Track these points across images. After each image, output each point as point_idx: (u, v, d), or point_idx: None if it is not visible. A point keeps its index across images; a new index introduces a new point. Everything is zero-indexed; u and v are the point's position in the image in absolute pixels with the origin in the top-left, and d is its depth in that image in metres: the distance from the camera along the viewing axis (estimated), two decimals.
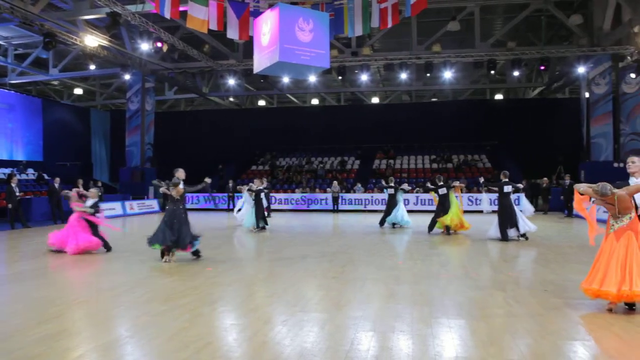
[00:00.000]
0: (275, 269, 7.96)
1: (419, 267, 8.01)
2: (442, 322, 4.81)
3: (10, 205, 14.55)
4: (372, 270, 7.72)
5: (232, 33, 9.82)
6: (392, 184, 14.88)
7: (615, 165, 19.70)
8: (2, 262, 9.20)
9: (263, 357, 3.93)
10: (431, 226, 12.88)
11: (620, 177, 5.53)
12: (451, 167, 25.95)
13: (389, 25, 10.50)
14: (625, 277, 4.90)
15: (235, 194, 22.08)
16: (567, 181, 19.13)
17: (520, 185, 12.21)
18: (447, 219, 12.41)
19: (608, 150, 20.49)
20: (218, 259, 8.87)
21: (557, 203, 20.00)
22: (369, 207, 22.76)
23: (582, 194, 5.40)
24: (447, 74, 21.27)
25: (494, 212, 12.08)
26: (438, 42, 20.12)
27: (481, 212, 18.52)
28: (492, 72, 21.01)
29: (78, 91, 29.79)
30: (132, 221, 18.31)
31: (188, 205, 10.47)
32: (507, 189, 11.27)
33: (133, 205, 21.41)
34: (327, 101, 32.96)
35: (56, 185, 16.59)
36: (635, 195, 5.10)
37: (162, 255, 8.48)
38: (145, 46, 18.49)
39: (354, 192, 23.85)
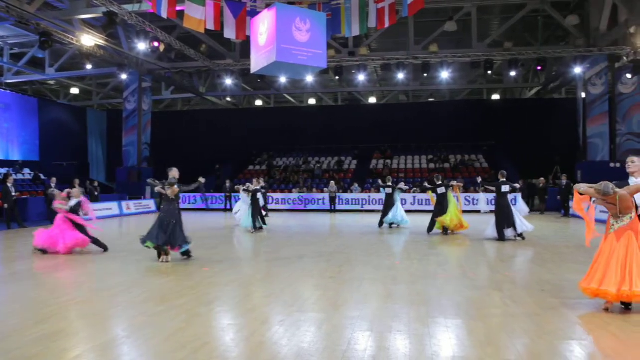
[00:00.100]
0: (273, 269, 7.96)
1: (417, 267, 8.02)
2: (439, 322, 4.82)
3: (6, 205, 14.50)
4: (369, 270, 7.72)
5: (229, 33, 9.80)
6: (390, 184, 14.89)
7: (612, 165, 19.78)
8: None
9: (260, 357, 3.93)
10: (431, 227, 12.85)
11: (617, 177, 5.55)
12: (448, 167, 25.99)
13: (386, 25, 10.49)
14: (625, 277, 4.90)
15: (233, 194, 22.08)
16: (564, 181, 19.20)
17: (518, 185, 12.23)
18: (446, 219, 12.41)
19: (604, 151, 20.57)
20: (215, 259, 8.86)
21: (554, 203, 20.07)
22: (366, 207, 22.77)
23: (582, 194, 5.40)
24: (444, 74, 21.31)
25: (491, 212, 12.10)
26: (435, 42, 20.14)
27: (479, 212, 18.55)
28: (489, 72, 21.07)
29: (74, 91, 29.67)
30: (129, 221, 18.26)
31: (184, 206, 10.45)
32: (505, 188, 11.29)
33: (130, 205, 21.36)
34: (325, 101, 32.96)
35: (52, 185, 16.53)
36: (636, 195, 5.11)
37: (159, 255, 8.48)
38: (142, 46, 18.42)
39: (351, 192, 23.87)
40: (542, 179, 21.32)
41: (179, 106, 34.61)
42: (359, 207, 22.97)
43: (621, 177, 5.46)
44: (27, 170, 23.46)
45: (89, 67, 20.27)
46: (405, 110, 30.00)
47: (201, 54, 21.20)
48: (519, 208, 12.62)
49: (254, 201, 13.81)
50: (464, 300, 5.69)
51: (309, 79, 24.52)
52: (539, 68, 20.85)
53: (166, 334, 4.48)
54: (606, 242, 5.22)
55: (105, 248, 9.76)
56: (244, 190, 14.41)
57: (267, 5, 8.69)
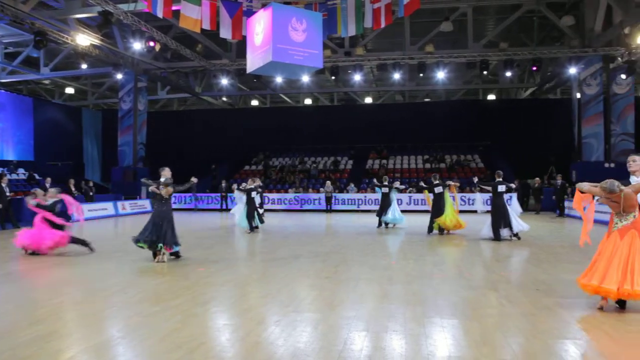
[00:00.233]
0: (269, 269, 7.95)
1: (413, 267, 8.03)
2: (435, 322, 4.83)
3: (0, 206, 14.41)
4: (365, 270, 7.72)
5: (225, 33, 9.78)
6: (386, 183, 14.90)
7: (606, 165, 19.87)
8: None
9: (256, 358, 3.92)
10: (430, 228, 12.83)
11: (611, 177, 5.55)
12: (444, 167, 26.04)
13: (382, 25, 10.51)
14: (627, 275, 4.91)
15: (229, 194, 22.06)
16: (559, 181, 19.28)
17: (513, 185, 12.28)
18: (446, 220, 12.44)
19: (599, 151, 20.66)
20: (211, 259, 8.84)
21: (549, 203, 20.15)
22: (362, 207, 22.79)
23: (583, 192, 5.40)
24: (440, 74, 21.34)
25: (488, 212, 12.13)
26: (431, 43, 20.18)
27: (475, 212, 18.60)
28: (485, 72, 21.11)
29: (69, 90, 29.53)
30: (125, 221, 18.20)
31: (175, 205, 10.42)
32: (501, 188, 11.33)
33: (125, 206, 21.30)
34: (320, 101, 32.95)
35: (47, 185, 16.44)
36: (638, 195, 5.12)
37: (154, 255, 8.47)
38: (137, 45, 18.36)
39: (347, 192, 23.88)
40: (537, 179, 21.42)
41: (174, 106, 34.51)
42: (355, 207, 22.99)
43: (616, 177, 5.47)
44: (21, 170, 23.31)
45: (84, 66, 20.18)
46: (401, 110, 30.05)
47: (197, 53, 21.15)
48: (513, 208, 12.66)
49: (249, 200, 13.77)
50: (460, 300, 5.70)
51: (305, 79, 24.52)
52: (534, 68, 20.95)
53: (162, 335, 4.46)
54: (609, 240, 5.22)
55: (85, 244, 9.60)
56: (238, 189, 14.39)
57: (263, 5, 8.68)
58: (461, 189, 20.66)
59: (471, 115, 28.14)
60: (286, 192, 24.84)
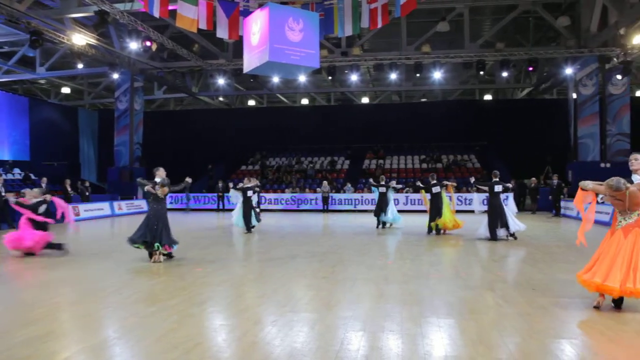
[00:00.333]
0: (265, 269, 7.94)
1: (409, 266, 8.04)
2: (431, 322, 4.83)
3: None
4: (362, 270, 7.73)
5: (222, 32, 9.77)
6: (383, 183, 14.91)
7: (602, 165, 19.96)
8: None
9: (253, 358, 3.92)
10: (430, 229, 12.84)
11: (607, 177, 5.56)
12: (440, 167, 26.08)
13: (379, 25, 10.52)
14: (629, 274, 4.92)
15: (225, 194, 22.01)
16: (555, 181, 19.36)
17: (510, 185, 12.30)
18: (445, 220, 12.46)
19: (595, 151, 20.75)
20: (207, 259, 8.83)
21: (546, 203, 20.21)
22: (359, 207, 22.80)
23: (584, 190, 5.39)
24: (437, 75, 21.38)
25: (485, 212, 12.16)
26: (428, 43, 20.21)
27: (472, 212, 18.63)
28: (481, 72, 21.17)
29: (65, 90, 29.41)
30: (121, 221, 18.14)
31: (169, 205, 10.39)
32: (498, 188, 11.35)
33: (122, 206, 21.24)
34: (317, 101, 32.95)
35: (43, 185, 16.39)
36: None
37: (150, 255, 8.45)
38: (134, 45, 18.29)
39: (344, 192, 23.88)
40: (533, 178, 21.49)
41: (171, 106, 34.44)
42: (351, 207, 23.00)
43: (613, 177, 5.47)
44: (17, 170, 23.22)
45: (80, 66, 20.10)
46: (397, 110, 30.08)
47: (194, 53, 21.12)
48: (509, 208, 12.69)
49: (245, 200, 13.75)
50: (456, 300, 5.71)
51: (302, 78, 24.50)
52: (531, 69, 20.99)
53: (158, 335, 4.45)
54: (613, 238, 5.22)
55: (60, 247, 9.45)
56: (235, 188, 14.36)
57: (260, 5, 8.67)
58: (458, 189, 20.71)
59: (468, 116, 28.19)
60: (283, 192, 24.83)
